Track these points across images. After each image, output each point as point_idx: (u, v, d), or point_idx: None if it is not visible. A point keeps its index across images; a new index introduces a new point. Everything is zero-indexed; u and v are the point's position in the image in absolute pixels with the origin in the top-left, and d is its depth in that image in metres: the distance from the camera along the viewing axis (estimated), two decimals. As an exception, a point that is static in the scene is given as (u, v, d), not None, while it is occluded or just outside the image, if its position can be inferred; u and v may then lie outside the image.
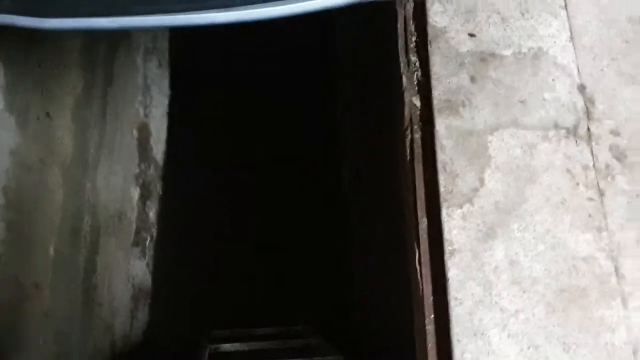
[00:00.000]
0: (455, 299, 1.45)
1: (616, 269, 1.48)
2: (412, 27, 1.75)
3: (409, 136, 1.66)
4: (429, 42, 1.69)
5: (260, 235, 4.17)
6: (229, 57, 4.48)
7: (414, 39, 1.74)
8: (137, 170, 3.86)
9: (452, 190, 1.54)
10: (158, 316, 3.78)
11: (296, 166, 4.22)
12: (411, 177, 1.62)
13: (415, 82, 1.70)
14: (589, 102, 1.63)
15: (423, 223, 1.56)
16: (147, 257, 3.88)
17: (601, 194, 1.55)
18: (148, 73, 4.27)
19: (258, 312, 3.61)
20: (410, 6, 1.77)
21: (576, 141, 1.59)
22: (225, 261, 4.09)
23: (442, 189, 1.54)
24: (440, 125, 1.60)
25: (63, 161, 2.45)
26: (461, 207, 1.53)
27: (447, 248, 1.49)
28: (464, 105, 1.62)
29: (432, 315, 1.47)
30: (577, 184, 1.55)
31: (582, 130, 1.60)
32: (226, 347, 2.64)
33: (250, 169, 4.32)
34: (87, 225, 2.75)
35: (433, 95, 1.64)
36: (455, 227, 1.51)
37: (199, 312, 3.71)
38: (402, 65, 1.73)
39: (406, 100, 1.69)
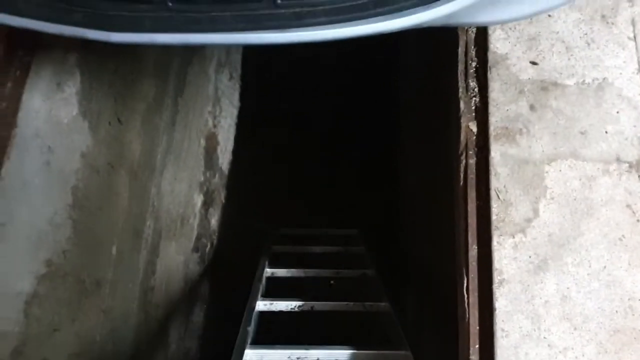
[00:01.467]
0: (502, 330, 1.42)
1: (675, 313, 1.41)
2: (472, 52, 1.74)
3: (464, 161, 1.64)
4: (489, 68, 1.67)
5: (316, 252, 4.21)
6: (298, 73, 4.57)
7: (474, 64, 1.73)
8: (202, 178, 3.97)
9: (505, 219, 1.52)
10: (213, 323, 3.86)
11: (356, 182, 4.25)
12: (463, 203, 1.60)
13: (473, 108, 1.69)
14: (656, 136, 1.57)
15: (473, 250, 1.54)
16: (206, 262, 3.97)
17: (663, 233, 1.48)
18: (219, 85, 4.41)
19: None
20: (472, 31, 1.76)
21: (639, 177, 1.53)
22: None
23: (494, 217, 1.52)
24: (496, 152, 1.58)
25: (130, 165, 2.56)
26: (513, 237, 1.50)
27: (497, 278, 1.46)
28: (521, 134, 1.60)
29: (477, 346, 1.45)
30: (638, 220, 1.49)
31: (646, 166, 1.54)
32: (282, 272, 2.69)
33: (311, 182, 4.38)
34: (149, 229, 2.86)
35: (490, 121, 1.62)
36: (506, 256, 1.48)
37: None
38: (460, 89, 1.73)
39: (463, 125, 1.68)
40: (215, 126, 4.28)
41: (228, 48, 4.34)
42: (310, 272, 2.60)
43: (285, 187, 4.41)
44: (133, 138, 2.59)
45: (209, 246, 4.03)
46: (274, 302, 2.07)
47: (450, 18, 1.14)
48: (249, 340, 1.75)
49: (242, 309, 3.95)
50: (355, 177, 4.28)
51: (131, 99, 2.59)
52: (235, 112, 4.63)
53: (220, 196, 4.28)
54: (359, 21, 1.15)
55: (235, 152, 4.44)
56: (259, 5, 1.13)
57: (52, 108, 1.93)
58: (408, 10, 1.13)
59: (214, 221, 4.14)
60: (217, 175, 4.23)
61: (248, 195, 4.34)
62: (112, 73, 2.37)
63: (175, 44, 1.17)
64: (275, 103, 4.72)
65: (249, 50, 4.61)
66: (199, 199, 3.88)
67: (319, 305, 2.05)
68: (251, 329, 1.84)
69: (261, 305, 2.06)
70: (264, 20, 1.14)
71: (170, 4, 1.12)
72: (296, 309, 2.05)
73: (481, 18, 1.17)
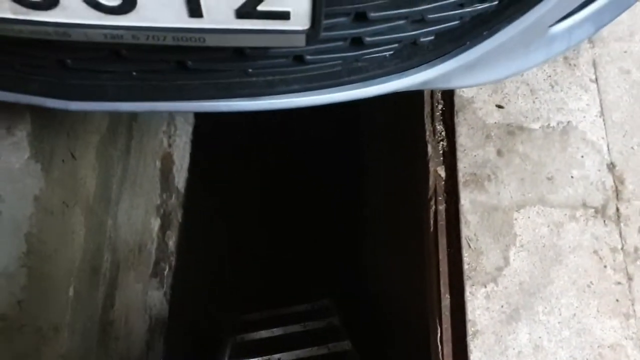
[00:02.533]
0: (476, 383, 1.42)
1: (643, 359, 1.44)
2: (438, 94, 1.74)
3: (433, 207, 1.64)
4: (455, 113, 1.68)
5: (274, 267, 4.19)
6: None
7: (440, 107, 1.73)
8: (159, 201, 3.87)
9: (476, 268, 1.52)
10: (174, 347, 3.78)
11: (317, 203, 4.22)
12: (434, 250, 1.60)
13: (441, 152, 1.68)
14: (619, 181, 1.60)
15: (446, 300, 1.53)
16: (165, 286, 3.88)
17: (629, 278, 1.51)
18: (173, 102, 4.30)
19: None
20: (438, 73, 1.75)
21: (604, 222, 1.56)
22: (242, 289, 4.12)
23: (466, 266, 1.52)
24: (465, 199, 1.58)
25: (85, 201, 2.46)
26: (485, 287, 1.50)
27: (470, 329, 1.46)
28: (489, 180, 1.60)
29: (452, 399, 1.44)
30: (605, 266, 1.52)
31: (610, 211, 1.57)
32: (251, 335, 2.67)
33: (270, 197, 4.35)
34: (107, 263, 2.76)
35: (458, 167, 1.62)
36: (479, 307, 1.48)
37: (215, 341, 3.71)
38: (427, 132, 1.72)
39: (431, 169, 1.67)
40: (170, 145, 4.18)
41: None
42: (277, 331, 2.56)
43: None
44: (88, 173, 2.49)
45: (167, 269, 3.94)
46: None
47: (425, 84, 1.13)
48: None
49: (204, 333, 3.88)
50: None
51: (84, 132, 2.49)
52: (190, 129, 4.54)
53: (177, 216, 4.19)
54: (332, 89, 1.12)
55: (191, 169, 4.36)
56: (230, 74, 1.09)
57: (1, 154, 1.83)
58: (382, 79, 1.11)
59: (172, 243, 4.06)
60: (173, 196, 4.14)
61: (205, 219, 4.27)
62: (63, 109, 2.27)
63: (140, 111, 1.12)
64: (232, 120, 4.66)
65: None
66: (156, 223, 3.78)
67: (286, 355, 2.03)
68: None
69: None
70: (234, 88, 1.10)
71: (134, 74, 1.07)
72: None
73: (455, 83, 1.17)
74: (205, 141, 4.47)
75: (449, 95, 1.72)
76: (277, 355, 2.09)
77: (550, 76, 1.72)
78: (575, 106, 1.69)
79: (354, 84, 1.12)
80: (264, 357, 2.08)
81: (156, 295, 3.78)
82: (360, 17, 0.97)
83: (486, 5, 1.02)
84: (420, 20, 1.03)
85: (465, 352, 1.45)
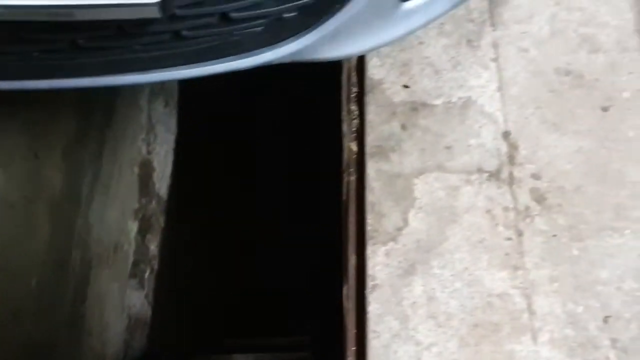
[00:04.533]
0: (374, 332, 1.55)
1: (528, 306, 1.57)
2: (354, 79, 1.90)
3: (346, 178, 1.79)
4: (365, 93, 1.83)
5: (261, 269, 4.30)
6: (238, 100, 4.66)
7: (354, 89, 1.89)
8: (137, 205, 3.98)
9: (378, 229, 1.66)
10: (157, 347, 3.89)
11: (295, 208, 4.33)
12: (344, 217, 1.75)
13: (354, 129, 1.84)
14: (513, 147, 1.74)
15: (352, 260, 1.68)
16: (146, 288, 3.98)
17: (519, 234, 1.65)
18: (153, 113, 4.43)
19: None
20: (353, 59, 1.92)
21: (498, 184, 1.70)
22: (228, 293, 4.23)
23: (369, 228, 1.67)
24: (371, 168, 1.73)
25: (51, 198, 2.60)
26: (385, 245, 1.64)
27: (370, 283, 1.60)
28: (393, 151, 1.75)
29: (354, 348, 1.58)
30: (497, 224, 1.66)
31: (504, 174, 1.71)
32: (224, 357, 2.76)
33: (252, 205, 4.47)
34: (76, 259, 2.89)
35: (366, 141, 1.77)
36: (379, 263, 1.63)
37: (199, 341, 3.81)
38: (343, 113, 1.88)
39: (344, 145, 1.83)
40: (150, 153, 4.30)
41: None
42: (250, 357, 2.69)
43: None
44: (53, 173, 2.63)
45: (148, 271, 4.05)
46: None
47: (296, 55, 1.28)
48: None
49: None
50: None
51: (50, 133, 2.64)
52: (172, 137, 4.66)
53: (159, 221, 4.31)
54: (214, 61, 1.28)
55: (175, 176, 4.48)
56: (120, 51, 1.25)
57: (-43, 148, 1.99)
58: (256, 51, 1.27)
59: (154, 247, 4.17)
60: (154, 201, 4.25)
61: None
62: (26, 107, 2.43)
63: (46, 89, 1.28)
64: (215, 129, 4.79)
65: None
66: (134, 226, 3.90)
67: None
68: None
69: None
70: (125, 64, 1.26)
71: (35, 54, 1.23)
72: None
73: (322, 54, 1.32)
74: (190, 149, 4.60)
75: (361, 78, 1.88)
76: None
77: (453, 57, 1.88)
78: (476, 83, 1.84)
79: (233, 57, 1.28)
80: None
81: (136, 295, 3.86)
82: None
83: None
84: (279, -4, 1.19)
85: (364, 304, 1.59)
